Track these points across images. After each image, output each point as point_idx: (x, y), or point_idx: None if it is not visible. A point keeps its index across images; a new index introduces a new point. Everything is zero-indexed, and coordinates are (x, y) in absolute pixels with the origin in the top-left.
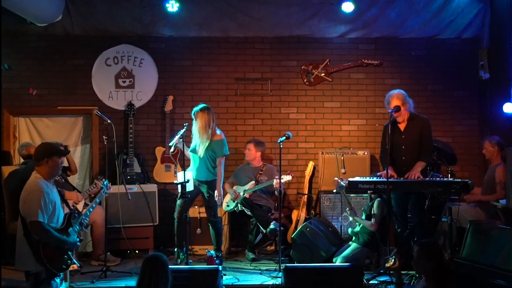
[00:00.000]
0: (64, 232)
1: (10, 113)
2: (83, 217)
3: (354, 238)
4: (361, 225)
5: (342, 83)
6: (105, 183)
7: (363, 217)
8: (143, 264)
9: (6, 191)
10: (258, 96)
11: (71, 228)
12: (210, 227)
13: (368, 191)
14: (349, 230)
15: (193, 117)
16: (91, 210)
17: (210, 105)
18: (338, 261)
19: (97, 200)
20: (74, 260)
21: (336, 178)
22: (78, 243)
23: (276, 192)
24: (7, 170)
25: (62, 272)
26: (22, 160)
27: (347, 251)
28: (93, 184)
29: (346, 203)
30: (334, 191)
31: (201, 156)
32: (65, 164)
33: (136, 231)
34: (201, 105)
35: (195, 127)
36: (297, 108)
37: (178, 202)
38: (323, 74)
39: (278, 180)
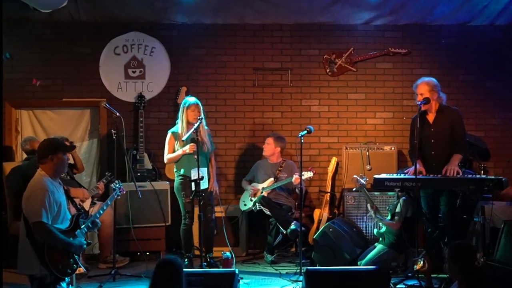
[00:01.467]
0: (70, 234)
1: (12, 106)
2: (93, 219)
3: (380, 239)
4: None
5: (367, 73)
6: (117, 185)
7: (389, 217)
8: (156, 269)
9: (7, 189)
10: (277, 87)
11: (78, 231)
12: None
13: (395, 189)
14: (375, 231)
15: (185, 106)
16: (101, 212)
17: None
18: (362, 264)
19: (108, 202)
20: (81, 264)
21: (355, 176)
22: (85, 246)
23: (296, 189)
24: (8, 166)
25: (68, 276)
26: (25, 156)
27: (372, 253)
28: (94, 187)
29: (368, 201)
30: (354, 189)
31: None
32: (71, 161)
33: (146, 232)
34: (194, 98)
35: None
36: (319, 100)
37: (181, 201)
38: (347, 64)
39: (297, 177)
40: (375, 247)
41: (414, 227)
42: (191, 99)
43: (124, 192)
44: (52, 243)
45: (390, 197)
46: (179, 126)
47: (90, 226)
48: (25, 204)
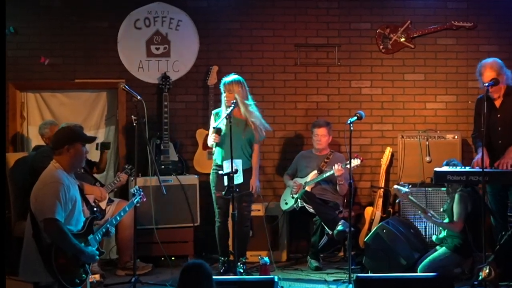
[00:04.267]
0: (82, 239)
1: (16, 88)
2: (108, 225)
3: (443, 242)
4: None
5: (427, 51)
6: (138, 190)
7: (447, 219)
8: (182, 274)
9: (11, 184)
10: (323, 67)
11: (91, 236)
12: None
13: (459, 184)
14: (434, 237)
15: (223, 89)
16: (118, 218)
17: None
18: (420, 269)
19: (126, 209)
20: (90, 273)
21: (395, 186)
22: (97, 257)
23: (337, 184)
24: (13, 158)
25: (76, 287)
26: (33, 145)
27: (432, 256)
28: (116, 177)
29: (418, 209)
30: (397, 200)
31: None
32: (95, 159)
33: (172, 234)
34: (235, 76)
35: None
36: (371, 81)
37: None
38: (403, 40)
39: (339, 167)
40: (436, 250)
41: (479, 227)
42: (227, 78)
43: (145, 200)
44: (62, 246)
45: (442, 193)
46: (223, 108)
47: (104, 232)
48: (35, 198)
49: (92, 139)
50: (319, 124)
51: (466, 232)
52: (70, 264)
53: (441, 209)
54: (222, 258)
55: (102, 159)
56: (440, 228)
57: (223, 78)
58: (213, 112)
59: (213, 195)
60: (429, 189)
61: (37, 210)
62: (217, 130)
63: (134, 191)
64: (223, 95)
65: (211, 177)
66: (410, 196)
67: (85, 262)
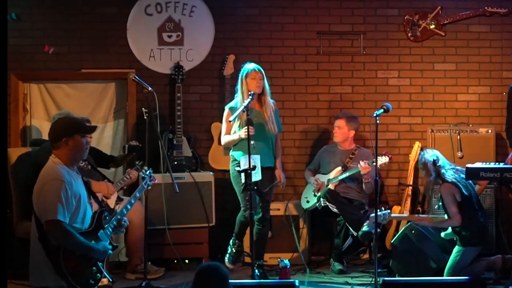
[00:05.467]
0: (92, 236)
1: (19, 78)
2: (119, 217)
3: (457, 242)
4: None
5: (458, 38)
6: (146, 172)
7: (446, 216)
8: (196, 277)
9: (14, 182)
10: (347, 56)
11: (101, 231)
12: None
13: (493, 182)
14: (442, 234)
15: (243, 75)
16: (128, 207)
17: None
18: (445, 273)
19: (137, 195)
20: (105, 273)
21: (369, 219)
22: (110, 251)
23: (363, 182)
24: (15, 153)
25: None
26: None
27: (451, 260)
28: (126, 174)
29: (408, 220)
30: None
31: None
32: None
33: (185, 234)
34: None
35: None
36: (399, 72)
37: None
38: (433, 27)
39: (365, 165)
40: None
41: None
42: (251, 65)
43: (156, 181)
44: (69, 247)
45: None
46: (239, 100)
47: (116, 225)
48: (37, 199)
49: (92, 129)
50: (339, 116)
51: (467, 221)
52: (80, 264)
53: (435, 207)
54: (237, 241)
55: (125, 159)
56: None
57: (246, 65)
58: (228, 106)
59: (238, 191)
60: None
61: (39, 211)
62: (249, 121)
63: (143, 173)
64: (244, 83)
65: (233, 173)
66: (392, 215)
67: (97, 259)
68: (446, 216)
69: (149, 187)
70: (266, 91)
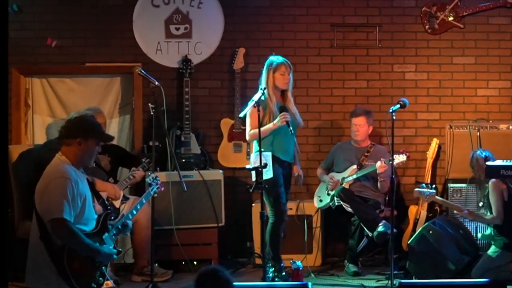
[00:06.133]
0: (96, 238)
1: (20, 73)
2: (124, 220)
3: (492, 242)
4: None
5: (478, 31)
6: (154, 179)
7: (489, 213)
8: (197, 281)
9: (15, 180)
10: (362, 49)
11: (106, 234)
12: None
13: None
14: (479, 235)
15: (271, 68)
16: (134, 213)
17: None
18: (475, 275)
19: (143, 201)
20: (108, 277)
21: (416, 190)
22: (115, 256)
23: (379, 181)
24: (16, 150)
25: None
26: (38, 136)
27: (484, 259)
28: (131, 172)
29: (453, 209)
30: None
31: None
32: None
33: (194, 235)
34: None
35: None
36: (416, 65)
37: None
38: (451, 19)
39: (382, 164)
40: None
41: None
42: (276, 58)
43: (163, 189)
44: (74, 247)
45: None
46: (266, 93)
47: (120, 228)
48: (41, 197)
49: (109, 138)
50: (357, 113)
51: (510, 225)
52: (85, 267)
53: (480, 204)
54: (276, 264)
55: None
56: (485, 224)
57: (272, 57)
58: (254, 99)
59: (273, 191)
60: (463, 185)
61: (43, 210)
62: (283, 108)
63: (150, 180)
64: (271, 77)
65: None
66: (437, 196)
67: (102, 262)
68: (489, 214)
69: (156, 195)
70: (290, 87)
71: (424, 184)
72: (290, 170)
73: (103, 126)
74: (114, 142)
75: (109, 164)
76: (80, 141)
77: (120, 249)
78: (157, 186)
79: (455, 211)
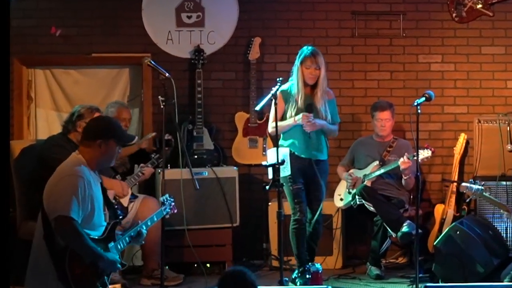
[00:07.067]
0: (102, 245)
1: (23, 63)
2: (132, 234)
3: None
4: None
5: (508, 19)
6: (168, 199)
7: None
8: (222, 281)
9: (17, 177)
10: (385, 38)
11: (112, 243)
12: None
13: None
14: None
15: (299, 60)
16: (144, 228)
17: None
18: (507, 279)
19: (154, 219)
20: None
21: (463, 184)
22: (119, 266)
23: (403, 178)
24: (18, 146)
25: None
26: (42, 131)
27: None
28: (140, 169)
29: (498, 207)
30: (468, 200)
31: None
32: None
33: (207, 236)
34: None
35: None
36: (442, 56)
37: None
38: (480, 6)
39: (405, 160)
40: None
41: None
42: (307, 48)
43: (176, 211)
44: (76, 250)
45: None
46: (294, 85)
47: (133, 236)
48: (49, 194)
49: (130, 139)
50: (382, 106)
51: None
52: (86, 272)
53: None
54: (301, 267)
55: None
56: None
57: (305, 47)
58: (281, 89)
59: (286, 188)
60: (511, 183)
61: (49, 207)
62: (310, 107)
63: (164, 199)
64: (301, 70)
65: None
66: (485, 193)
67: (104, 270)
68: None
69: (168, 216)
70: (321, 82)
71: (472, 180)
72: (313, 167)
73: (128, 122)
74: None
75: (128, 163)
76: (101, 142)
77: (125, 263)
78: (170, 207)
79: (502, 211)
